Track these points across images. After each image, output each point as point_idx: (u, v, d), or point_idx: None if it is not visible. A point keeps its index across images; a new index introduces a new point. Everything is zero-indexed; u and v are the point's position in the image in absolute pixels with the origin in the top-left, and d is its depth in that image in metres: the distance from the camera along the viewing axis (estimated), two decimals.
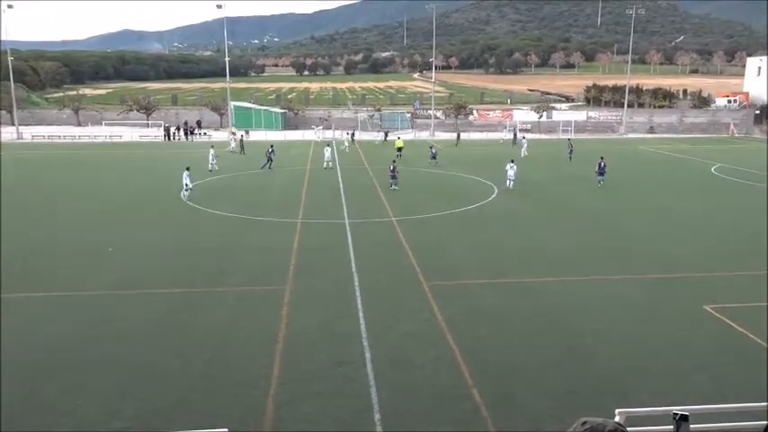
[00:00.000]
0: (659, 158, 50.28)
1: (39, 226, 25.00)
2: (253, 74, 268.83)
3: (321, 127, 67.95)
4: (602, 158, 35.82)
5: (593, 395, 11.57)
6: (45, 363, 12.71)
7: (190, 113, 77.71)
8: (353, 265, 19.58)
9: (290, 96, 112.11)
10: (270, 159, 41.45)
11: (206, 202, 29.40)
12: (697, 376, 12.33)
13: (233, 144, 52.77)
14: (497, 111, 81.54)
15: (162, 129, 66.84)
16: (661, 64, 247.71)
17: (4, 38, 66.58)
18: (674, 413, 4.14)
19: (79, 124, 73.99)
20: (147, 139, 65.43)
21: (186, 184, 30.46)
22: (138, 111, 74.27)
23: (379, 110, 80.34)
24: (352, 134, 62.23)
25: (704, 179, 38.87)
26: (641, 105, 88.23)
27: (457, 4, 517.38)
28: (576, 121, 73.90)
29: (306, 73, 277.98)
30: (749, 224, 25.76)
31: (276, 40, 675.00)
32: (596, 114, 79.87)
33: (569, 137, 60.98)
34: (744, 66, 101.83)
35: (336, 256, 20.57)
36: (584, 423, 2.62)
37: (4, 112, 69.52)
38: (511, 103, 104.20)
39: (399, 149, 46.61)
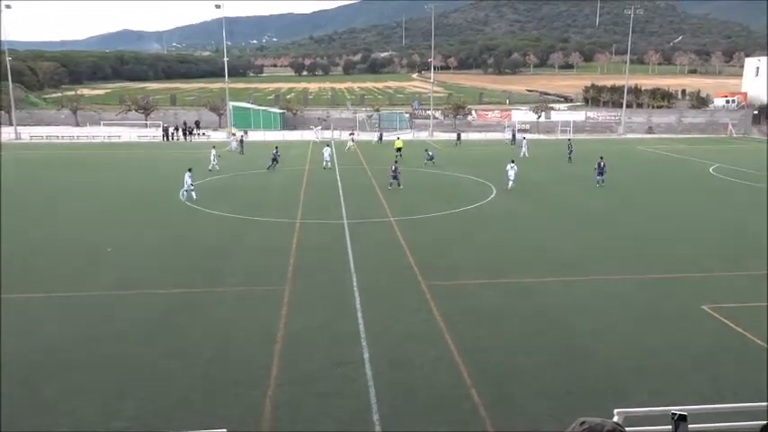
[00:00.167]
0: (658, 159, 50.34)
1: (37, 226, 24.98)
2: (251, 74, 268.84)
3: (320, 127, 67.94)
4: (601, 158, 35.88)
5: (592, 395, 11.59)
6: (44, 363, 12.71)
7: (188, 114, 77.72)
8: (352, 265, 19.59)
9: (288, 97, 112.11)
10: (275, 160, 41.67)
11: (205, 203, 29.39)
12: (695, 376, 12.35)
13: (234, 144, 52.75)
14: (496, 111, 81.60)
15: (160, 129, 66.82)
16: (659, 64, 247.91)
17: (2, 38, 66.34)
18: (673, 413, 4.15)
19: (77, 124, 73.93)
20: (146, 139, 65.42)
21: (189, 185, 30.25)
22: (136, 111, 74.25)
23: (377, 110, 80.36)
24: (351, 134, 62.21)
25: (702, 179, 38.92)
26: (640, 106, 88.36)
27: (455, 4, 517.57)
28: (574, 122, 73.98)
29: (304, 73, 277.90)
30: (747, 224, 25.80)
31: (275, 40, 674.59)
32: (595, 115, 79.97)
33: (569, 137, 61.00)
34: (742, 66, 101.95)
35: (335, 257, 20.57)
36: (583, 423, 2.63)
37: (2, 112, 69.44)
38: (509, 103, 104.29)
39: (399, 150, 46.60)
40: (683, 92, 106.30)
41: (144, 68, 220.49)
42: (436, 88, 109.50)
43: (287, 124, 76.07)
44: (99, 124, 68.45)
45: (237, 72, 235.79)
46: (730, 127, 75.04)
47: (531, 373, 12.41)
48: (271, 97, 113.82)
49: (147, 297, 16.68)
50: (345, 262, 19.93)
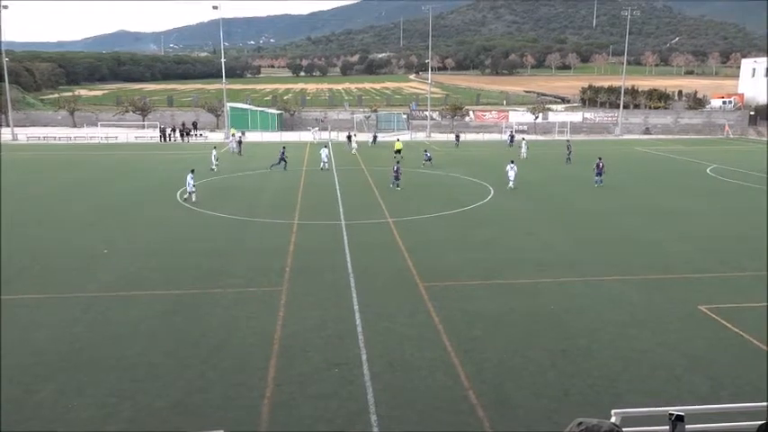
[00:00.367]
0: (655, 159, 50.44)
1: (34, 227, 24.90)
2: (249, 75, 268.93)
3: (317, 128, 67.93)
4: (600, 159, 35.96)
5: (589, 396, 11.59)
6: (41, 364, 12.66)
7: (186, 115, 77.68)
8: (349, 266, 19.57)
9: (286, 97, 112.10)
10: (283, 160, 41.95)
11: (202, 203, 29.33)
12: (692, 376, 12.36)
13: (232, 146, 52.64)
14: (493, 112, 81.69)
15: (158, 130, 66.76)
16: (656, 65, 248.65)
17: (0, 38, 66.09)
18: (670, 413, 4.15)
19: (75, 125, 73.83)
20: (143, 140, 65.34)
21: (190, 186, 29.99)
22: (133, 112, 74.17)
23: (375, 111, 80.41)
24: (349, 135, 62.02)
25: (699, 180, 39.00)
26: (637, 106, 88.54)
27: (452, 5, 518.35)
28: (571, 123, 74.13)
29: (302, 74, 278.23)
30: (744, 225, 25.86)
31: (272, 41, 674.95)
32: (592, 115, 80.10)
33: (567, 138, 61.06)
34: (738, 67, 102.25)
35: (332, 258, 20.55)
36: (580, 424, 2.63)
37: None
38: (507, 104, 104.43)
39: (398, 151, 46.52)
40: (680, 93, 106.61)
41: (141, 69, 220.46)
42: (434, 89, 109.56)
43: (284, 125, 76.05)
44: (96, 125, 68.30)
45: (235, 73, 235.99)
46: (727, 128, 75.24)
47: (529, 373, 12.40)
48: (268, 98, 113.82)
49: (145, 298, 16.64)
50: (343, 263, 19.91)
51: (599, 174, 35.23)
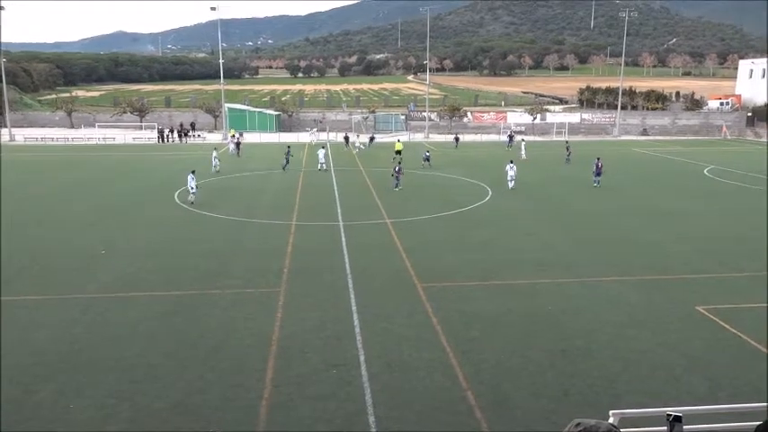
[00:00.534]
0: (653, 160, 50.52)
1: (33, 228, 24.87)
2: (247, 76, 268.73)
3: (315, 129, 67.91)
4: (598, 159, 36.04)
5: (588, 396, 11.61)
6: (40, 365, 12.66)
7: (183, 115, 77.60)
8: (348, 267, 19.58)
9: (284, 98, 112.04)
10: (287, 160, 42.28)
11: (200, 205, 29.29)
12: (690, 377, 12.38)
13: (231, 147, 52.54)
14: (491, 113, 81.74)
15: (155, 131, 66.72)
16: (654, 66, 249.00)
17: None
18: (668, 414, 4.17)
19: (72, 126, 73.74)
20: (141, 141, 65.30)
21: (192, 188, 29.82)
22: (131, 113, 74.11)
23: (373, 112, 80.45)
24: (347, 136, 61.87)
25: (697, 181, 39.07)
26: (634, 107, 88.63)
27: (450, 6, 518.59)
28: (569, 124, 74.24)
29: (300, 75, 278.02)
30: (741, 226, 25.91)
31: (270, 42, 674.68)
32: (590, 116, 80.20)
33: (566, 139, 61.09)
34: (736, 68, 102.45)
35: (330, 258, 20.55)
36: (578, 424, 2.64)
37: None
38: (505, 105, 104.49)
39: (398, 152, 46.52)
40: (678, 94, 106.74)
41: (139, 70, 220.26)
42: (432, 90, 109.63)
43: (283, 126, 76.04)
44: (94, 126, 68.22)
45: (233, 74, 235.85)
46: (724, 129, 75.38)
47: (527, 374, 12.42)
48: (266, 99, 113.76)
49: (143, 299, 16.63)
50: (341, 264, 19.91)
51: (597, 174, 35.30)
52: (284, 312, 15.63)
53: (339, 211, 28.64)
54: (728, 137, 73.55)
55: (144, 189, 34.66)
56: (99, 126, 68.13)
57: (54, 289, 17.45)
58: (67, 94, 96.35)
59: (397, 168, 34.60)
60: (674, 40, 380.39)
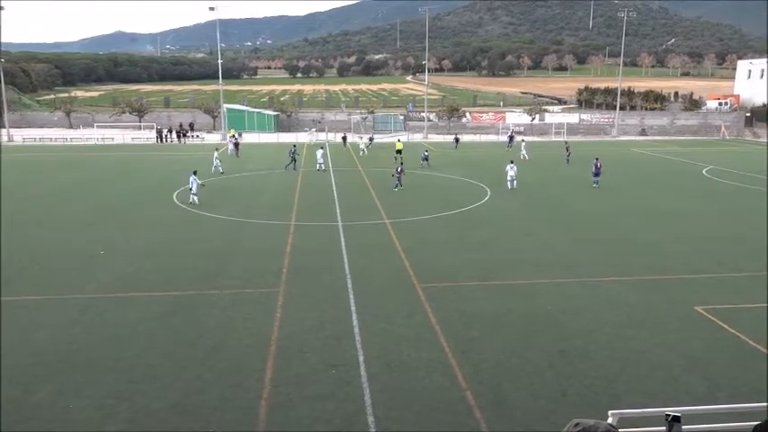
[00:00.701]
0: (652, 160, 50.55)
1: (35, 227, 24.85)
2: (245, 76, 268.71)
3: (314, 129, 67.87)
4: (597, 159, 36.06)
5: (587, 396, 11.62)
6: (39, 365, 12.65)
7: (182, 116, 77.55)
8: (347, 267, 19.58)
9: (283, 99, 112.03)
10: (293, 159, 42.55)
11: (200, 205, 29.28)
12: (689, 377, 12.39)
13: (230, 147, 52.47)
14: (490, 113, 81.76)
15: (154, 131, 66.68)
16: (652, 66, 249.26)
17: None
18: (667, 414, 4.18)
19: (71, 127, 73.66)
20: (140, 141, 65.26)
21: (194, 189, 29.76)
22: (130, 113, 74.04)
23: (372, 112, 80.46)
24: (344, 137, 61.83)
25: (696, 181, 39.10)
26: (633, 108, 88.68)
27: (449, 6, 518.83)
28: (568, 124, 74.24)
29: (299, 75, 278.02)
30: (740, 226, 25.94)
31: (269, 42, 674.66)
32: (588, 117, 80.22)
33: (566, 139, 61.08)
34: (734, 68, 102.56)
35: (330, 259, 20.55)
36: (577, 425, 2.64)
37: None
38: (503, 105, 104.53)
39: (399, 152, 46.55)
40: (676, 94, 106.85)
41: (138, 71, 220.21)
42: (430, 90, 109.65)
43: (281, 126, 76.02)
44: (92, 126, 68.14)
45: (231, 74, 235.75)
46: (723, 129, 75.43)
47: (526, 374, 12.43)
48: (265, 99, 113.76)
49: (142, 299, 16.63)
50: (340, 264, 19.91)
51: (596, 174, 35.33)
52: (283, 312, 15.63)
53: (338, 211, 28.64)
54: (727, 137, 73.60)
55: (143, 189, 34.64)
56: (98, 126, 68.01)
57: (53, 289, 17.43)
58: (66, 95, 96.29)
59: (398, 169, 34.70)
60: (673, 40, 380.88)
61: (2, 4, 61.78)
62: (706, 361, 13.13)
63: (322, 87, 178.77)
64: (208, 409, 11.06)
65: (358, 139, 58.35)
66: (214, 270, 19.24)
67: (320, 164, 42.21)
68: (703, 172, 42.71)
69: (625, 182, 37.86)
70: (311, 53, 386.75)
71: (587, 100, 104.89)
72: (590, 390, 11.87)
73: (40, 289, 17.42)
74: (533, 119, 75.46)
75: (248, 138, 64.27)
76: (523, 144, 51.11)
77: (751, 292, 17.27)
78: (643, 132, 76.59)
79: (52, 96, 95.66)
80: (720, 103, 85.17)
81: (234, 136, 56.53)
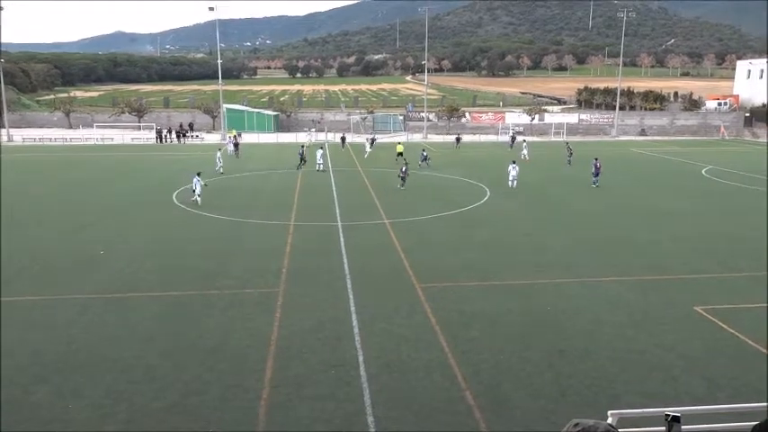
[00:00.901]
0: (651, 160, 50.55)
1: (33, 228, 24.84)
2: (245, 76, 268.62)
3: (314, 129, 67.86)
4: (596, 159, 36.07)
5: (587, 396, 11.62)
6: (38, 365, 12.64)
7: (182, 116, 77.50)
8: (346, 267, 19.58)
9: (282, 99, 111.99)
10: (303, 159, 42.52)
11: (200, 205, 29.27)
12: (689, 377, 12.40)
13: (230, 147, 52.42)
14: (490, 113, 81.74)
15: (154, 131, 66.66)
16: (652, 67, 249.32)
17: None
18: (666, 414, 4.17)
19: (70, 127, 73.63)
20: (139, 141, 65.23)
21: (195, 190, 29.70)
22: (129, 113, 74.00)
23: (371, 112, 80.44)
24: (343, 137, 61.60)
25: (695, 181, 39.11)
26: (632, 108, 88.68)
27: (449, 6, 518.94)
28: (568, 124, 74.24)
29: (298, 75, 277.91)
30: (740, 226, 25.94)
31: (268, 42, 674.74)
32: (588, 117, 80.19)
33: (566, 140, 61.02)
34: (734, 69, 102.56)
35: (329, 259, 20.55)
36: (577, 425, 2.64)
37: None
38: (503, 105, 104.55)
39: (400, 154, 46.46)
40: (676, 94, 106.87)
41: (137, 71, 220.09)
42: (430, 90, 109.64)
43: (281, 126, 75.99)
44: (92, 126, 68.13)
45: (231, 74, 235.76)
46: (722, 129, 75.44)
47: (526, 374, 12.43)
48: (264, 99, 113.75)
49: (142, 300, 16.62)
50: (340, 264, 19.91)
51: (596, 174, 35.34)
52: (283, 313, 15.63)
53: (338, 211, 28.63)
54: (726, 137, 73.61)
55: (143, 189, 34.62)
56: (97, 126, 67.99)
57: (53, 289, 17.43)
58: (66, 95, 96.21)
59: (403, 169, 34.81)
60: (672, 40, 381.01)
61: (2, 4, 61.86)
62: (706, 361, 13.14)
63: (321, 87, 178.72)
64: (207, 409, 11.06)
65: (365, 141, 57.36)
66: (214, 270, 19.24)
67: (320, 164, 42.20)
68: (703, 172, 42.73)
69: (625, 182, 37.87)
70: (311, 53, 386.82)
71: (587, 100, 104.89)
72: (589, 390, 11.87)
73: (40, 289, 17.41)
74: (533, 119, 75.45)
75: (248, 138, 64.25)
76: (525, 144, 51.10)
77: (751, 293, 17.28)
78: (642, 132, 76.60)
79: (52, 96, 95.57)
80: (720, 104, 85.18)
81: (234, 136, 56.50)
